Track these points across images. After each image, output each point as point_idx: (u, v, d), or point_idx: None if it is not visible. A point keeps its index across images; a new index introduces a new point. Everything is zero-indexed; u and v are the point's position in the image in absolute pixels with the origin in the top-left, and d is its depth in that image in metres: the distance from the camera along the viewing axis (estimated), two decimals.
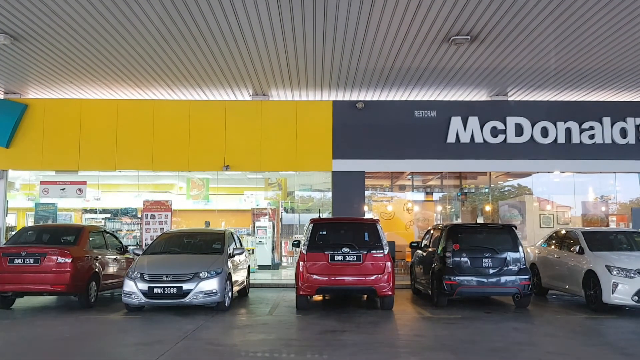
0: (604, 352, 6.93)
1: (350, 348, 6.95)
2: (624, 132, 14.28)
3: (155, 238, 12.09)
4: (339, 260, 9.91)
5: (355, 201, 14.11)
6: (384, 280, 9.82)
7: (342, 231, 10.51)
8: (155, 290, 9.41)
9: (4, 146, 14.10)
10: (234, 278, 10.55)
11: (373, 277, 9.83)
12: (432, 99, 15.06)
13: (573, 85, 13.81)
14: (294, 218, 18.65)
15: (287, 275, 15.72)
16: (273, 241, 17.62)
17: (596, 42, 10.90)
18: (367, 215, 15.26)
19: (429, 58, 11.88)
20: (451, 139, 14.26)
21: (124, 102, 14.66)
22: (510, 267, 10.25)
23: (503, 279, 10.15)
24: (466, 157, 14.29)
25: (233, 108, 14.56)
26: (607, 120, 14.32)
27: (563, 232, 11.91)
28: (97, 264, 10.77)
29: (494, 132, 14.28)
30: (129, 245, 13.88)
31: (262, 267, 16.93)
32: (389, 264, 9.93)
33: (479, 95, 14.78)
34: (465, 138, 14.24)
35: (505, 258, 10.31)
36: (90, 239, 11.03)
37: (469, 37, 10.58)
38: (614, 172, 14.99)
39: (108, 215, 17.35)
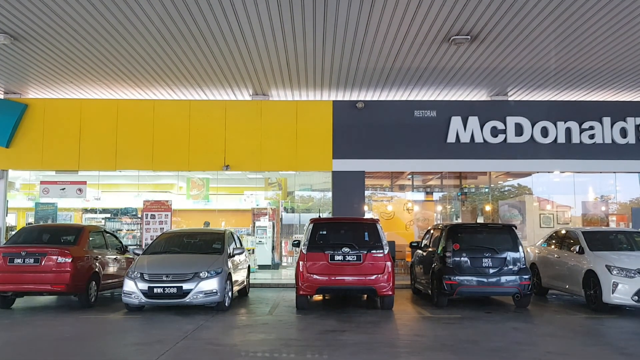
0: (604, 352, 6.93)
1: (350, 348, 6.95)
2: (624, 132, 14.28)
3: (155, 238, 12.09)
4: (339, 260, 9.91)
5: (355, 201, 14.11)
6: (384, 280, 9.82)
7: (342, 231, 10.51)
8: (155, 290, 9.41)
9: (4, 146, 14.10)
10: (234, 278, 10.55)
11: (373, 277, 9.83)
12: (432, 99, 15.06)
13: (573, 85, 13.81)
14: (294, 218, 18.64)
15: (287, 275, 15.72)
16: (273, 241, 17.62)
17: (596, 42, 10.90)
18: (367, 215, 15.26)
19: (429, 58, 11.88)
20: (451, 138, 14.26)
21: (124, 102, 14.66)
22: (510, 267, 10.25)
23: (503, 278, 10.15)
24: (466, 157, 14.29)
25: (233, 108, 14.57)
26: (607, 120, 14.32)
27: (563, 232, 11.91)
28: (97, 264, 10.78)
29: (494, 132, 14.28)
30: (129, 245, 13.89)
31: (262, 267, 16.93)
32: (389, 263, 9.94)
33: (479, 95, 14.78)
34: (465, 138, 14.25)
35: (505, 258, 10.31)
36: (90, 238, 11.03)
37: (469, 37, 10.58)
38: (614, 172, 14.99)
39: (108, 215, 17.35)
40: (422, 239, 12.79)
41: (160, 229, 14.63)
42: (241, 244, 12.27)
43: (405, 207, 17.34)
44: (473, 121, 14.28)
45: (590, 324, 8.91)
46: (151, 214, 14.97)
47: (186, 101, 14.77)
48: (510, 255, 10.33)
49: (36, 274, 9.85)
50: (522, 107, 14.60)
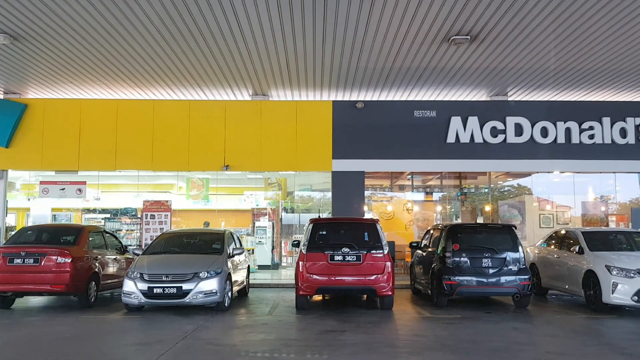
0: (604, 352, 6.93)
1: (350, 348, 6.95)
2: (623, 132, 14.28)
3: (155, 238, 12.09)
4: (338, 260, 9.91)
5: (355, 201, 14.11)
6: (384, 280, 9.82)
7: (342, 231, 10.51)
8: (155, 290, 9.41)
9: (4, 146, 14.10)
10: (233, 278, 10.55)
11: (373, 277, 9.83)
12: (432, 99, 15.06)
13: (573, 85, 13.81)
14: (294, 218, 18.64)
15: (287, 275, 15.72)
16: (273, 241, 17.62)
17: (596, 42, 10.90)
18: (367, 215, 15.25)
19: (429, 58, 11.88)
20: (451, 139, 14.26)
21: (124, 102, 14.66)
22: (510, 267, 10.25)
23: (503, 279, 10.15)
24: (466, 157, 14.29)
25: (233, 108, 14.56)
26: (606, 120, 14.32)
27: (563, 232, 11.91)
28: (96, 264, 10.78)
29: (494, 132, 14.28)
30: (129, 245, 13.88)
31: (261, 267, 16.93)
32: (388, 264, 9.94)
33: (479, 95, 14.78)
34: (465, 138, 14.25)
35: (505, 258, 10.31)
36: (90, 239, 11.03)
37: (469, 37, 10.58)
38: (614, 172, 14.99)
39: (108, 215, 17.35)
40: (422, 239, 12.79)
41: (160, 229, 14.62)
42: (241, 244, 12.27)
43: (405, 207, 17.34)
44: (473, 121, 14.28)
45: (590, 324, 8.91)
46: (151, 214, 14.96)
47: (186, 101, 14.76)
48: (510, 255, 10.33)
49: (36, 274, 9.85)
50: (522, 107, 14.60)
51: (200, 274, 9.57)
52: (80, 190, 14.86)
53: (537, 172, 15.59)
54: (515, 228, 11.05)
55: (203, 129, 14.38)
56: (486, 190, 17.19)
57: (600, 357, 6.68)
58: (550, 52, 11.47)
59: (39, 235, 11.07)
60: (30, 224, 16.35)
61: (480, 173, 16.16)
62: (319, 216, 16.23)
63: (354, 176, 14.25)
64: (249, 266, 12.81)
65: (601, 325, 8.86)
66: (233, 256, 10.87)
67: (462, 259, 10.28)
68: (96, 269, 10.71)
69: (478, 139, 14.26)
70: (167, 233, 12.19)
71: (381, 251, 9.97)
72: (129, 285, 9.58)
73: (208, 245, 10.94)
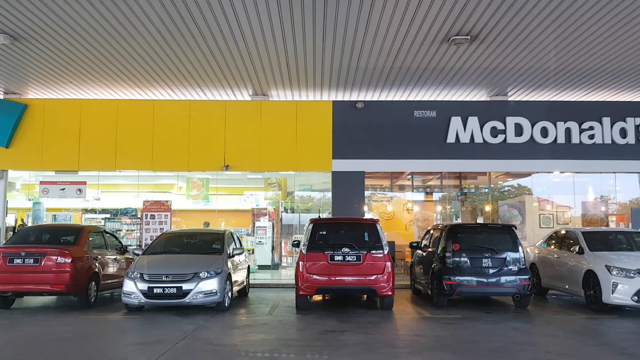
0: (604, 352, 6.94)
1: (350, 348, 6.95)
2: (623, 132, 14.28)
3: (155, 238, 12.09)
4: (338, 260, 9.91)
5: (355, 201, 14.11)
6: (384, 280, 9.82)
7: (342, 231, 10.51)
8: (155, 290, 9.41)
9: (4, 146, 14.09)
10: (233, 278, 10.55)
11: (373, 277, 9.83)
12: (432, 99, 15.06)
13: (573, 85, 13.81)
14: (294, 218, 18.65)
15: (287, 275, 15.72)
16: (273, 241, 17.62)
17: (596, 42, 10.90)
18: (367, 215, 15.25)
19: (429, 58, 11.88)
20: (451, 139, 14.26)
21: (124, 102, 14.66)
22: (510, 267, 10.25)
23: (503, 279, 10.15)
24: (466, 157, 14.29)
25: (233, 108, 14.56)
26: (607, 120, 14.32)
27: (563, 232, 11.91)
28: (96, 264, 10.78)
29: (494, 132, 14.28)
30: (129, 245, 13.88)
31: (261, 267, 16.93)
32: (388, 264, 9.94)
33: (479, 95, 14.78)
34: (465, 138, 14.24)
35: (505, 258, 10.31)
36: (90, 239, 11.03)
37: (469, 37, 10.58)
38: (614, 172, 14.99)
39: (108, 215, 17.35)
40: (422, 239, 12.79)
41: (160, 229, 14.62)
42: (241, 244, 12.27)
43: (405, 208, 17.34)
44: (473, 121, 14.28)
45: (590, 324, 8.91)
46: (151, 214, 14.96)
47: (186, 101, 14.76)
48: (510, 255, 10.33)
49: (36, 274, 9.85)
50: (522, 107, 14.60)
51: (200, 274, 9.57)
52: (80, 190, 14.87)
53: (537, 172, 15.59)
54: (515, 228, 11.05)
55: (203, 129, 14.38)
56: (486, 190, 17.19)
57: (600, 357, 6.68)
58: (550, 52, 11.47)
59: (39, 235, 11.08)
60: (30, 224, 16.34)
61: (480, 173, 16.16)
62: (319, 216, 16.23)
63: (354, 176, 14.25)
64: (249, 266, 12.81)
65: (601, 325, 8.86)
66: (233, 256, 10.87)
67: (462, 259, 10.28)
68: (96, 269, 10.71)
69: (478, 139, 14.25)
70: (167, 233, 12.19)
71: (381, 251, 9.97)
72: (129, 285, 9.58)
73: (208, 246, 10.94)
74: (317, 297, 11.80)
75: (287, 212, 18.74)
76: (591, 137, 14.28)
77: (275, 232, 17.85)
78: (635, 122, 14.32)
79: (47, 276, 9.85)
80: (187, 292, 9.42)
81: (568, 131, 14.29)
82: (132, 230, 16.86)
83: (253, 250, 16.86)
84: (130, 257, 12.24)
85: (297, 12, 9.54)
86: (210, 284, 9.56)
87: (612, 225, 15.45)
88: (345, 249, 9.92)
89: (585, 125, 14.31)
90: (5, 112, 14.09)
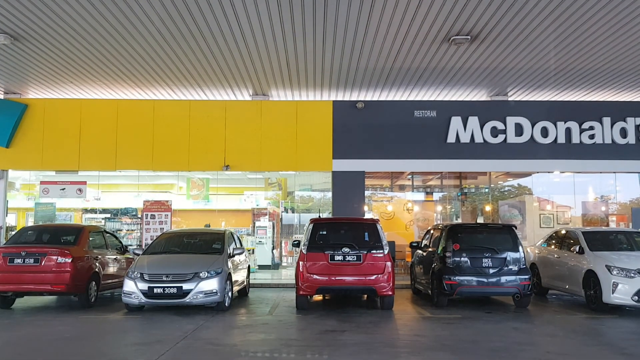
0: (604, 352, 6.93)
1: (351, 348, 6.95)
2: (624, 132, 14.28)
3: (155, 238, 12.09)
4: (339, 260, 9.91)
5: (355, 201, 14.11)
6: (384, 280, 9.82)
7: (342, 231, 10.51)
8: (155, 290, 9.41)
9: (4, 146, 14.10)
10: (234, 278, 10.55)
11: (373, 277, 9.83)
12: (432, 99, 15.06)
13: (573, 85, 13.81)
14: (294, 218, 18.65)
15: (287, 275, 15.72)
16: (273, 241, 17.62)
17: (596, 42, 10.90)
18: (367, 215, 15.25)
19: (429, 58, 11.88)
20: (451, 139, 14.26)
21: (124, 102, 14.66)
22: (510, 267, 10.24)
23: (503, 279, 10.15)
24: (466, 157, 14.29)
25: (233, 108, 14.57)
26: (607, 120, 14.32)
27: (563, 232, 11.91)
28: (97, 264, 10.78)
29: (494, 132, 14.28)
30: (129, 245, 13.88)
31: (262, 267, 16.93)
32: (389, 263, 9.93)
33: (479, 95, 14.78)
34: (465, 138, 14.24)
35: (505, 258, 10.31)
36: (90, 239, 11.03)
37: (469, 37, 10.58)
38: (614, 172, 14.99)
39: (108, 215, 17.34)
40: (422, 239, 12.79)
41: (160, 229, 14.62)
42: (241, 244, 12.27)
43: (405, 207, 17.34)
44: (473, 121, 14.28)
45: (590, 324, 8.91)
46: (151, 214, 14.97)
47: (186, 101, 14.77)
48: (510, 255, 10.33)
49: (36, 274, 9.85)
50: (522, 107, 14.60)
51: (201, 274, 9.57)
52: (80, 190, 14.88)
53: (538, 172, 15.59)
54: (516, 228, 11.04)
55: (203, 129, 14.39)
56: (486, 190, 17.19)
57: (600, 357, 6.68)
58: (550, 52, 11.47)
59: (39, 235, 11.08)
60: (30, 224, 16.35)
61: (481, 173, 16.16)
62: (319, 216, 16.23)
63: (354, 176, 14.25)
64: (249, 266, 12.80)
65: (601, 325, 8.86)
66: (233, 256, 10.87)
67: (462, 258, 10.28)
68: (96, 269, 10.71)
69: (478, 139, 14.26)
70: (167, 233, 12.19)
71: (381, 251, 9.97)
72: (129, 285, 9.58)
73: (208, 245, 10.94)
74: (318, 297, 11.80)
75: (287, 212, 18.74)
76: (591, 137, 14.28)
77: (276, 232, 17.85)
78: (636, 122, 14.32)
79: (48, 276, 9.85)
80: (188, 292, 9.42)
81: (568, 131, 14.30)
82: (132, 230, 16.86)
83: (253, 250, 16.86)
84: (131, 257, 12.24)
85: (297, 12, 9.54)
86: (211, 284, 9.56)
87: (613, 225, 15.45)
88: (346, 249, 9.92)
89: (586, 125, 14.31)
90: (5, 112, 14.10)
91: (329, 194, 15.08)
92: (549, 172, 15.37)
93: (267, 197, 18.25)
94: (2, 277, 9.83)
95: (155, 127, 14.37)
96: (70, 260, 9.93)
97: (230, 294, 10.19)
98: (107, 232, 12.21)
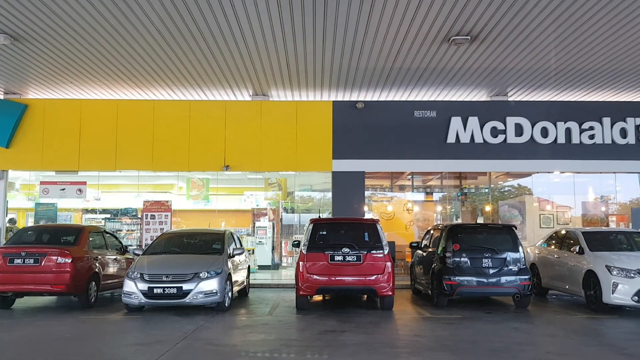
0: (604, 352, 6.93)
1: (351, 348, 6.95)
2: (624, 132, 14.28)
3: (155, 238, 12.09)
4: (339, 261, 9.91)
5: (355, 201, 14.11)
6: (384, 280, 9.82)
7: (342, 231, 10.51)
8: (155, 291, 9.41)
9: (4, 146, 14.10)
10: (234, 278, 10.55)
11: (373, 277, 9.83)
12: (432, 99, 15.06)
13: (573, 85, 13.81)
14: (294, 218, 18.65)
15: (287, 275, 15.72)
16: (273, 241, 17.62)
17: (596, 42, 10.90)
18: (367, 216, 15.25)
19: (429, 58, 11.88)
20: (451, 139, 14.26)
21: (124, 102, 14.66)
22: (510, 267, 10.24)
23: (503, 279, 10.14)
24: (466, 157, 14.29)
25: (233, 108, 14.56)
26: (607, 121, 14.32)
27: (563, 232, 11.91)
28: (97, 264, 10.77)
29: (494, 132, 14.28)
30: (129, 246, 13.88)
31: (262, 267, 16.94)
32: (389, 264, 9.93)
33: (479, 95, 14.78)
34: (465, 138, 14.24)
35: (505, 258, 10.31)
36: (90, 239, 11.03)
37: (469, 37, 10.58)
38: (614, 172, 14.99)
39: (108, 216, 17.34)
40: (422, 240, 12.79)
41: (160, 229, 14.62)
42: (241, 245, 12.27)
43: (405, 208, 17.34)
44: (473, 121, 14.28)
45: (590, 324, 8.91)
46: (151, 215, 14.96)
47: (186, 101, 14.77)
48: (510, 255, 10.33)
49: (36, 274, 9.84)
50: (522, 107, 14.60)
51: (201, 274, 9.57)
52: (80, 190, 14.88)
53: (538, 172, 15.59)
54: (516, 228, 11.05)
55: (203, 129, 14.38)
56: (486, 190, 17.18)
57: (600, 358, 6.68)
58: (550, 52, 11.47)
59: (39, 235, 11.08)
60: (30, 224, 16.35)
61: (481, 173, 16.15)
62: (319, 216, 16.23)
63: (354, 176, 14.25)
64: (249, 266, 12.80)
65: (601, 325, 8.86)
66: (233, 256, 10.87)
67: (462, 259, 10.28)
68: (96, 269, 10.71)
69: (478, 139, 14.25)
70: (167, 233, 12.19)
71: (381, 251, 9.97)
72: (129, 286, 9.58)
73: (208, 246, 10.94)
74: (318, 297, 11.80)
75: (287, 212, 18.74)
76: (591, 137, 14.28)
77: (276, 232, 17.85)
78: (635, 122, 14.32)
79: (47, 276, 9.84)
80: (187, 292, 9.42)
81: (568, 131, 14.29)
82: (132, 231, 16.86)
83: (253, 250, 16.86)
84: (131, 257, 12.24)
85: (297, 13, 9.54)
86: (211, 284, 9.56)
87: (613, 226, 15.45)
88: (346, 249, 9.92)
89: (586, 126, 14.31)
90: (5, 112, 14.10)
91: (329, 194, 15.08)
92: (549, 173, 15.37)
93: (267, 197, 18.25)
94: (2, 277, 9.82)
95: (155, 127, 14.37)
96: (70, 261, 9.93)
97: (230, 294, 10.18)
98: (107, 233, 12.21)
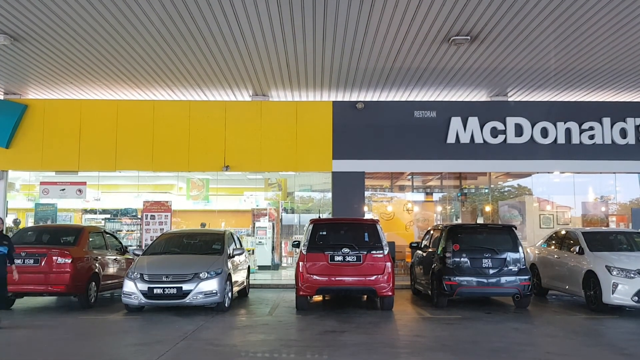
0: (604, 352, 6.93)
1: (351, 348, 6.94)
2: (623, 133, 14.28)
3: (155, 238, 12.08)
4: (338, 261, 9.91)
5: (355, 201, 14.11)
6: (384, 280, 9.82)
7: (342, 231, 10.51)
8: (155, 291, 9.40)
9: (4, 147, 14.09)
10: (233, 278, 10.55)
11: (373, 278, 9.83)
12: (432, 99, 15.06)
13: (573, 85, 13.81)
14: (294, 218, 18.64)
15: (287, 275, 15.71)
16: (273, 242, 17.61)
17: (596, 42, 10.90)
18: (367, 216, 15.25)
19: (429, 58, 11.88)
20: (451, 139, 14.26)
21: (124, 102, 14.66)
22: (510, 267, 10.24)
23: (503, 279, 10.14)
24: (466, 157, 14.29)
25: (233, 108, 14.56)
26: (607, 121, 14.31)
27: (563, 232, 11.91)
28: (97, 265, 10.77)
29: (494, 132, 14.27)
30: (129, 246, 13.88)
31: (262, 268, 16.93)
32: (388, 264, 9.93)
33: (479, 95, 14.78)
34: (465, 138, 14.24)
35: (505, 258, 10.30)
36: (90, 239, 11.03)
37: (469, 37, 10.58)
38: (614, 173, 14.99)
39: (108, 216, 17.34)
40: (422, 240, 12.79)
41: (160, 229, 14.62)
42: (241, 245, 12.27)
43: (405, 208, 17.33)
44: (473, 122, 14.27)
45: (590, 325, 8.91)
46: (151, 215, 14.96)
47: (186, 101, 14.77)
48: (510, 255, 10.33)
49: (36, 274, 9.84)
50: (522, 107, 14.59)
51: (201, 275, 9.57)
52: (80, 190, 14.88)
53: (537, 173, 15.59)
54: (516, 228, 11.04)
55: (203, 129, 14.38)
56: (486, 190, 17.18)
57: (600, 358, 6.68)
58: (550, 52, 11.47)
59: (39, 235, 11.07)
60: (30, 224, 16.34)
61: (481, 173, 16.15)
62: (319, 216, 16.22)
63: (354, 176, 14.24)
64: (249, 267, 12.80)
65: (601, 325, 8.86)
66: (233, 257, 10.87)
67: (462, 259, 10.28)
68: (96, 270, 10.70)
69: (478, 140, 14.25)
70: (167, 233, 12.19)
71: (381, 251, 9.96)
72: (129, 286, 9.58)
73: (208, 246, 10.94)
74: (317, 298, 11.80)
75: (287, 213, 18.73)
76: (591, 137, 14.28)
77: (275, 232, 17.85)
78: (635, 122, 14.31)
79: (47, 276, 9.85)
80: (187, 293, 9.42)
81: (568, 131, 14.29)
82: (132, 231, 16.85)
83: (253, 250, 16.85)
84: (131, 257, 12.23)
85: (297, 13, 9.54)
86: (211, 285, 9.55)
87: (612, 226, 15.44)
88: (346, 250, 9.92)
89: (586, 126, 14.31)
90: (5, 112, 14.09)
91: (329, 195, 15.08)
92: (548, 173, 15.37)
93: (267, 197, 18.25)
94: None
95: (155, 128, 14.37)
96: (70, 261, 9.93)
97: (230, 294, 10.18)
98: (107, 233, 12.21)
